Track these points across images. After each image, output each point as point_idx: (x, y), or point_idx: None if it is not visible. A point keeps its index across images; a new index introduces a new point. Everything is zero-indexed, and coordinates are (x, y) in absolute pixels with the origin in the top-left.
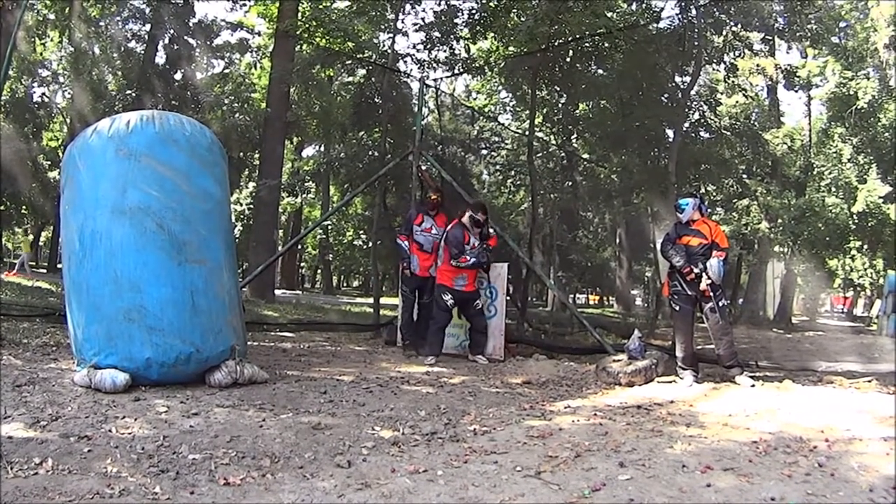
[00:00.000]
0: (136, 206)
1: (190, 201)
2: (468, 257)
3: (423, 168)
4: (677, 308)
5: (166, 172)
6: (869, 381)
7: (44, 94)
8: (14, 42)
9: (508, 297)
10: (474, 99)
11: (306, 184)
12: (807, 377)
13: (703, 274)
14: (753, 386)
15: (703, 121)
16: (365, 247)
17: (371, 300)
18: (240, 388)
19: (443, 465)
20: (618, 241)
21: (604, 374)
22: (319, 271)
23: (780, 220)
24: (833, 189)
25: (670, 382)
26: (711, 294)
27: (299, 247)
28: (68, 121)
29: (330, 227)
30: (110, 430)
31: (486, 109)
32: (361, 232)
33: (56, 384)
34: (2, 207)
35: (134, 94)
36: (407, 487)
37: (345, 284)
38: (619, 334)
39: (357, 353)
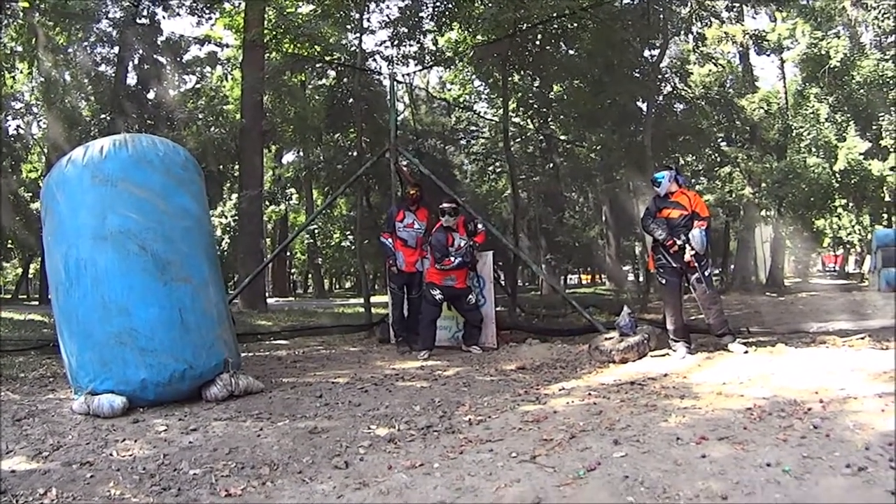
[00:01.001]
0: (116, 230)
1: (169, 220)
2: (452, 259)
3: (403, 164)
4: (663, 281)
5: (143, 194)
6: (862, 339)
7: (18, 126)
8: None
9: (501, 284)
10: (449, 90)
11: (287, 190)
12: (800, 339)
13: (687, 245)
14: (746, 352)
15: (675, 92)
16: (353, 247)
17: (363, 300)
18: (236, 400)
19: (439, 457)
20: (603, 218)
21: (597, 353)
22: (310, 276)
23: (763, 185)
24: (813, 149)
25: (664, 356)
26: (696, 264)
27: (288, 253)
28: (45, 151)
29: (316, 231)
30: (111, 454)
31: (462, 99)
32: (348, 233)
33: (55, 414)
34: None
35: (108, 118)
36: (404, 483)
37: (337, 286)
38: (611, 312)
39: (352, 355)
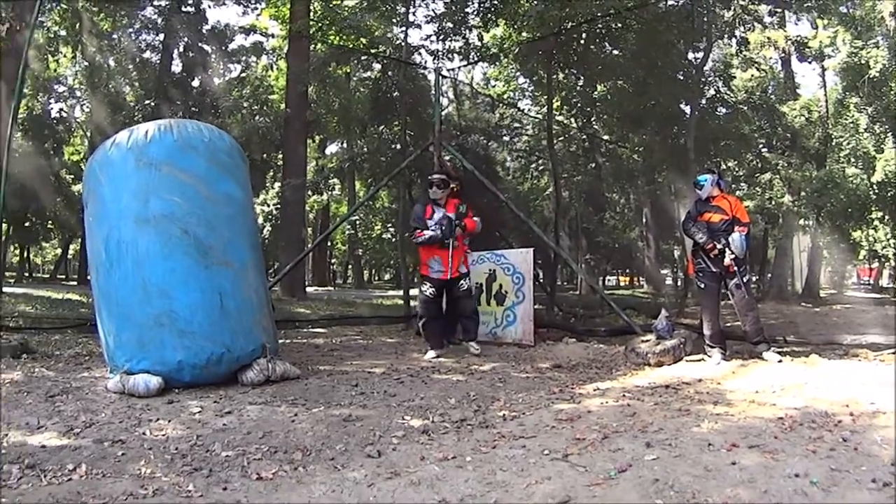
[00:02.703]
0: (159, 214)
1: (212, 206)
2: (426, 232)
3: (446, 158)
4: (702, 286)
5: (187, 179)
6: (893, 353)
7: (61, 109)
8: (25, 62)
9: (540, 282)
10: (493, 86)
11: (330, 181)
12: (833, 351)
13: (727, 249)
14: (780, 361)
15: (718, 96)
16: (393, 240)
17: (402, 292)
18: (272, 385)
19: (471, 451)
20: (644, 220)
21: (633, 355)
22: (350, 266)
23: (802, 193)
24: (852, 159)
25: (699, 361)
26: (736, 269)
27: (329, 243)
28: (88, 134)
29: (358, 222)
30: (144, 433)
31: (506, 96)
32: (389, 225)
33: (90, 392)
34: (27, 224)
35: (152, 104)
36: (436, 474)
37: (376, 278)
38: (648, 314)
39: (388, 346)
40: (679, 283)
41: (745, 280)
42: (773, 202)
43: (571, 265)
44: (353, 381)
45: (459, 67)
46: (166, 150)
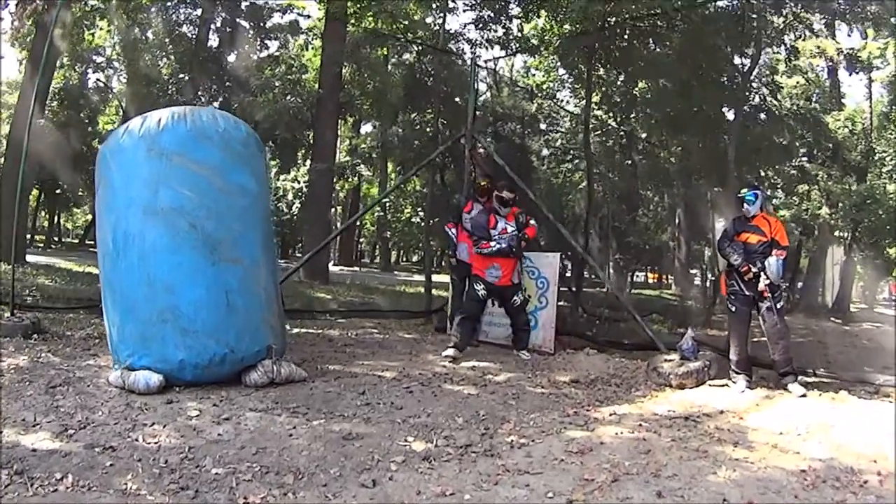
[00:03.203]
0: (168, 206)
1: (224, 199)
2: (492, 243)
3: (479, 149)
4: (733, 309)
5: (199, 170)
6: None
7: (98, 79)
8: (51, 41)
9: (565, 278)
10: (532, 75)
11: (358, 167)
12: (864, 388)
13: (762, 273)
14: (804, 395)
15: (763, 104)
16: (423, 224)
17: (424, 278)
18: (276, 388)
19: (472, 486)
20: (676, 221)
21: (654, 375)
22: (378, 247)
23: (840, 206)
24: (895, 176)
25: (722, 386)
26: (770, 294)
27: (358, 223)
28: (123, 105)
29: (388, 205)
30: (136, 440)
31: (545, 86)
32: (419, 209)
33: (91, 385)
34: (58, 191)
35: (187, 77)
36: None
37: (404, 259)
38: (675, 322)
39: (404, 343)
40: (708, 285)
41: (778, 306)
42: (810, 213)
43: (599, 273)
44: (361, 389)
45: (498, 58)
46: (179, 139)
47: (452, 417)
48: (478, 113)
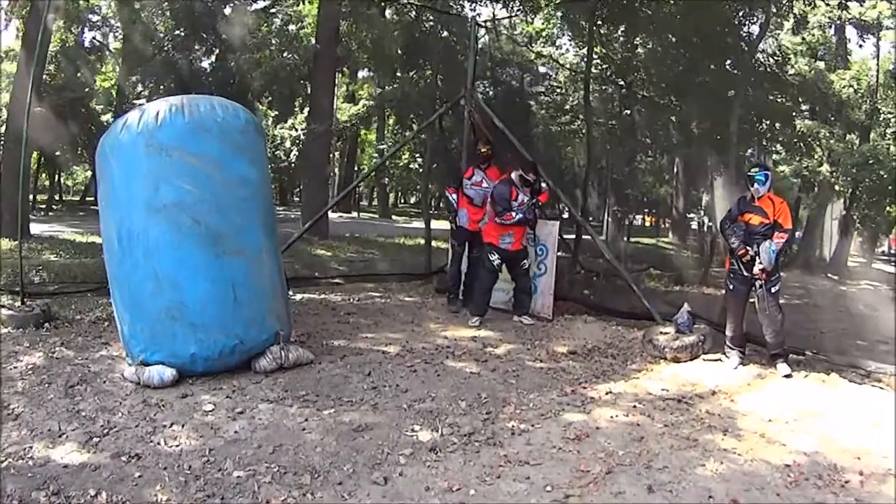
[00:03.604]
0: (170, 202)
1: (225, 191)
2: (514, 214)
3: (476, 115)
4: (731, 287)
5: (199, 164)
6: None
7: (94, 37)
8: (45, 27)
9: (564, 240)
10: (530, 23)
11: (357, 126)
12: (855, 371)
13: (756, 258)
14: (789, 376)
15: (768, 72)
16: (421, 170)
17: (425, 230)
18: (285, 374)
19: (476, 480)
20: (675, 170)
21: (650, 347)
22: (375, 191)
23: (841, 164)
24: None
25: (716, 360)
26: (765, 278)
27: (356, 167)
28: (120, 63)
29: (386, 151)
30: (158, 444)
31: (544, 33)
32: (417, 155)
33: (107, 381)
34: (58, 153)
35: (182, 34)
36: None
37: (402, 201)
38: (671, 279)
39: (406, 309)
40: (703, 233)
41: (772, 290)
42: (811, 170)
43: (597, 241)
44: (366, 370)
45: (498, 19)
46: (177, 133)
47: (456, 401)
48: (476, 58)
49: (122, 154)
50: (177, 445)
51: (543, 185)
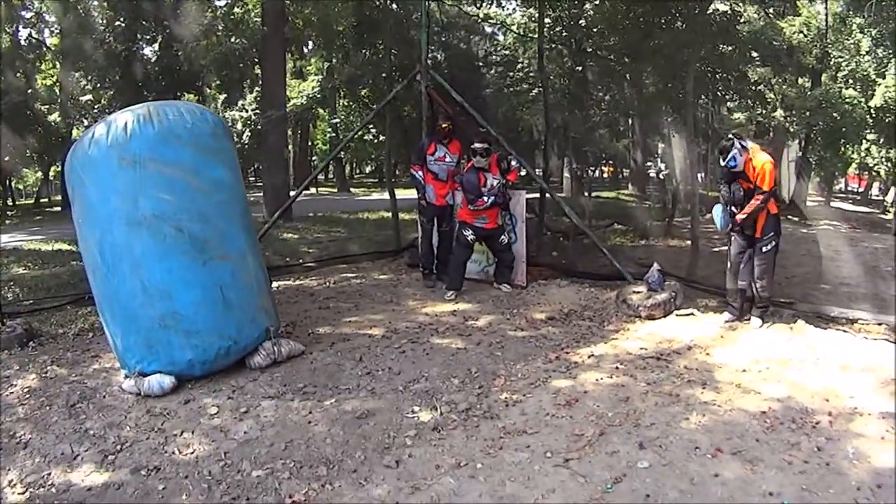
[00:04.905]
0: (150, 214)
1: (203, 197)
2: (485, 199)
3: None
4: (731, 240)
5: (175, 173)
6: (879, 325)
7: (30, 34)
8: None
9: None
10: None
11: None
12: (820, 318)
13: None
14: (761, 327)
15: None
16: (376, 141)
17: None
18: (280, 368)
19: (481, 453)
20: (630, 122)
21: (624, 307)
22: (331, 166)
23: (794, 109)
24: (850, 81)
25: (688, 315)
26: (749, 234)
27: (309, 143)
28: (59, 59)
29: (339, 125)
30: (174, 453)
31: None
32: (371, 126)
33: (107, 395)
34: (6, 158)
35: (122, 24)
36: (452, 488)
37: (357, 172)
38: (636, 233)
39: (383, 288)
40: (661, 182)
41: (763, 249)
42: (765, 116)
43: (565, 208)
44: (357, 355)
45: None
46: (149, 143)
47: (448, 379)
48: (427, 32)
49: (94, 170)
50: (191, 453)
51: (514, 163)
